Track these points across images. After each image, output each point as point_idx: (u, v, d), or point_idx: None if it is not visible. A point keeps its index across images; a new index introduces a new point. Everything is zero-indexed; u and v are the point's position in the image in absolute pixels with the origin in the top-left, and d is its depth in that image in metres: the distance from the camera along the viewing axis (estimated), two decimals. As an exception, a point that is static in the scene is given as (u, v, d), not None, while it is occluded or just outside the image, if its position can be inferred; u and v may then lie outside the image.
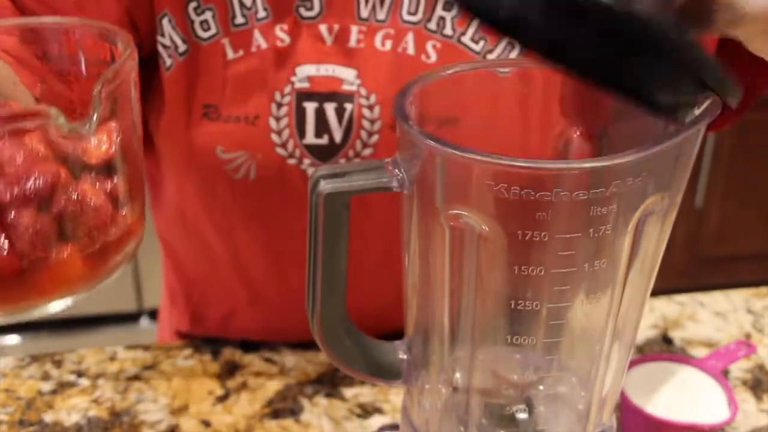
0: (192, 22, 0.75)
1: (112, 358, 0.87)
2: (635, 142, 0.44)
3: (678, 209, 0.49)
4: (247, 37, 0.75)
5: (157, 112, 0.79)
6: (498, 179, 0.43)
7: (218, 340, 0.90)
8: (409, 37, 0.75)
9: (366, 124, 0.75)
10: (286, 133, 0.76)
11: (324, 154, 0.77)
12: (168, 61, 0.76)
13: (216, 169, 0.78)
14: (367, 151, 0.76)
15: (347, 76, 0.75)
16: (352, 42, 0.75)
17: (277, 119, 0.76)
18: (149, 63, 0.78)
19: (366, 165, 0.49)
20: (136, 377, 0.85)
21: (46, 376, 0.85)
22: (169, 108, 0.78)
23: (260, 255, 0.85)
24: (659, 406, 0.71)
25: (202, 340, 0.90)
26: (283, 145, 0.76)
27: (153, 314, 2.12)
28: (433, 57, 0.75)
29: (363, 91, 0.75)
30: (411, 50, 0.75)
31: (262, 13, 0.75)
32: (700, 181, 2.13)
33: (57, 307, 0.51)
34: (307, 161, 0.77)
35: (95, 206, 0.50)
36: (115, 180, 0.52)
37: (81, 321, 2.12)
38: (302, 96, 0.76)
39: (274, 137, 0.76)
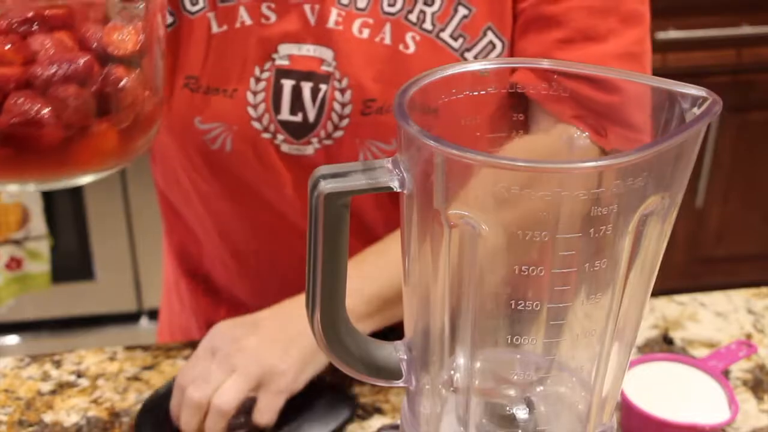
0: None
1: (112, 359, 0.87)
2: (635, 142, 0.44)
3: (678, 209, 0.49)
4: (233, 13, 0.77)
5: None
6: (498, 179, 0.43)
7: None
8: (387, 28, 0.76)
9: (337, 106, 0.77)
10: (262, 107, 0.78)
11: (297, 131, 0.79)
12: None
13: (194, 139, 0.81)
14: (338, 134, 0.78)
15: (326, 56, 0.77)
16: (331, 23, 0.77)
17: (254, 93, 0.78)
18: None
19: (366, 165, 0.48)
20: (135, 377, 0.85)
21: (45, 377, 0.85)
22: None
23: (241, 227, 0.88)
24: (660, 406, 0.71)
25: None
26: (259, 119, 0.79)
27: (153, 314, 2.12)
28: (412, 48, 0.77)
29: (337, 74, 0.77)
30: (388, 40, 0.76)
31: None
32: (700, 181, 2.13)
33: (89, 178, 0.63)
34: (280, 137, 0.79)
35: (128, 86, 0.61)
36: (142, 69, 0.62)
37: (81, 321, 2.12)
38: (281, 73, 0.78)
39: (251, 110, 0.78)
